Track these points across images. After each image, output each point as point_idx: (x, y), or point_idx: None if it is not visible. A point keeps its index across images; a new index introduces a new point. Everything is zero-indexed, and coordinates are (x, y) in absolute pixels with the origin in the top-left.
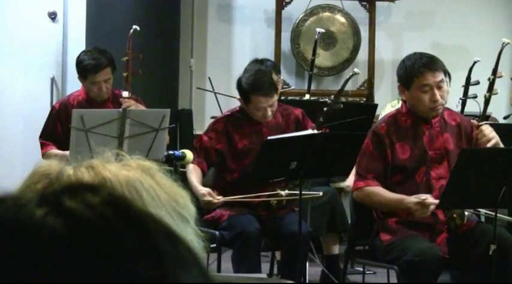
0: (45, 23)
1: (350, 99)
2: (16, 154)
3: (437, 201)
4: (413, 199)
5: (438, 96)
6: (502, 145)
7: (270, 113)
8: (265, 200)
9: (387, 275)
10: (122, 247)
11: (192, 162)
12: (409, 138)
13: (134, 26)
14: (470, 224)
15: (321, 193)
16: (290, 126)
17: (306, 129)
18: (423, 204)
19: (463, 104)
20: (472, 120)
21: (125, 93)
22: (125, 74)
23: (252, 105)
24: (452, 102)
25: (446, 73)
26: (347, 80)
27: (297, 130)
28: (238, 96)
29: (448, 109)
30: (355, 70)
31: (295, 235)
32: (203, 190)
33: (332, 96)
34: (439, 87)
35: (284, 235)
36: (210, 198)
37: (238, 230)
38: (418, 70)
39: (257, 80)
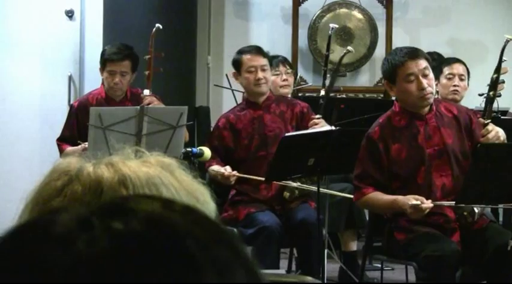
0: (62, 21)
1: (367, 95)
2: (34, 152)
3: (432, 205)
4: (406, 201)
5: (425, 84)
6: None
7: (261, 75)
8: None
9: (405, 271)
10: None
11: (206, 167)
12: (405, 138)
13: (157, 25)
14: (482, 223)
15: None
16: (294, 116)
17: (309, 122)
18: (417, 209)
19: (487, 102)
20: (473, 115)
21: (146, 91)
22: (146, 72)
23: (244, 69)
24: (471, 97)
25: (430, 62)
26: (341, 58)
27: (300, 122)
28: (232, 72)
29: (445, 101)
30: (349, 48)
31: (306, 222)
32: (222, 169)
33: (345, 92)
34: (425, 75)
35: (295, 222)
36: (223, 171)
37: (260, 225)
38: (399, 61)
39: (247, 46)
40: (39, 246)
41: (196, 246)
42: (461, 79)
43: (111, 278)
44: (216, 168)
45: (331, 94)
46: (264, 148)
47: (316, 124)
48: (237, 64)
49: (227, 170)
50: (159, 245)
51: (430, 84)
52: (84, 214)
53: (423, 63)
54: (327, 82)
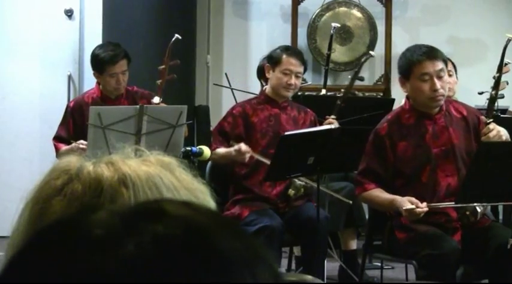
0: (61, 21)
1: (367, 93)
2: (33, 152)
3: (426, 209)
4: (402, 203)
5: (438, 86)
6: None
7: (293, 81)
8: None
9: (405, 270)
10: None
11: (211, 150)
12: (412, 136)
13: (176, 35)
14: (484, 222)
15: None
16: (306, 122)
17: None
18: (412, 213)
19: (492, 101)
20: (481, 116)
21: (156, 99)
22: (158, 82)
23: (280, 68)
24: (470, 96)
25: (447, 63)
26: (362, 62)
27: None
28: (266, 65)
29: (455, 101)
30: (371, 52)
31: (313, 221)
32: (235, 146)
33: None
34: (439, 77)
35: (302, 221)
36: (241, 146)
37: (262, 224)
38: (416, 59)
39: (292, 47)
40: (82, 247)
41: (228, 248)
42: (450, 75)
43: (157, 280)
44: (223, 150)
45: (329, 94)
46: None
47: (331, 123)
48: (275, 60)
49: (243, 147)
50: (197, 248)
51: (443, 86)
52: (128, 216)
53: (440, 65)
54: (329, 81)
